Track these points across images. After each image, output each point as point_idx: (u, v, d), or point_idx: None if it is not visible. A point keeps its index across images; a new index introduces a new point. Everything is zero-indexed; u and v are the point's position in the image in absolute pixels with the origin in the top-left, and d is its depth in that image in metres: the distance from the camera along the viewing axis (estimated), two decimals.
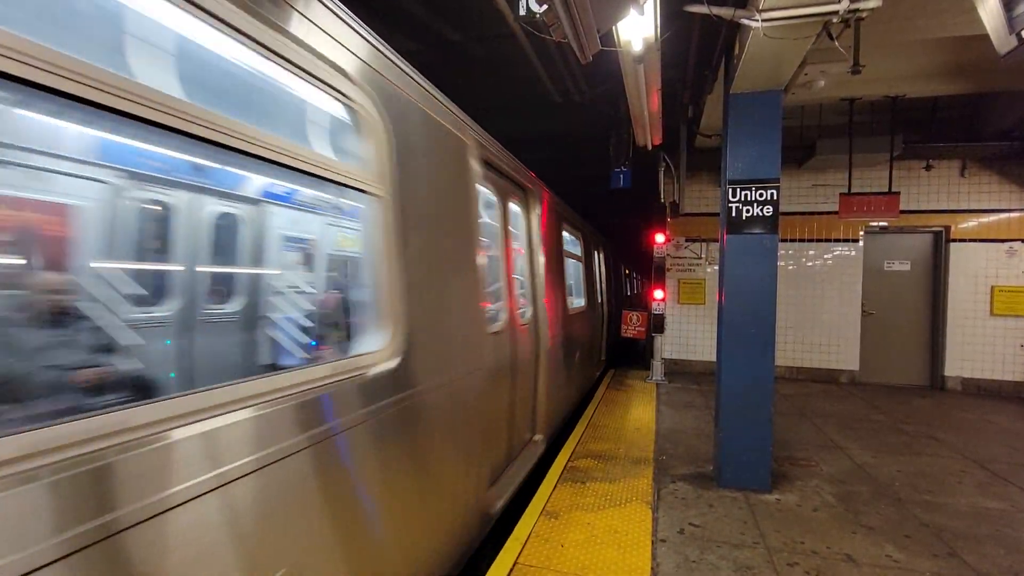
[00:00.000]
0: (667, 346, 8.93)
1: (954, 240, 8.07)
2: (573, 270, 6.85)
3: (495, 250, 3.74)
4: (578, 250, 7.08)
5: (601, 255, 9.42)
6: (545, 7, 2.65)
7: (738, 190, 4.08)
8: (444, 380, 2.49)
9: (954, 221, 8.07)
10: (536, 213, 4.58)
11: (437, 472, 2.42)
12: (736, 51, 3.92)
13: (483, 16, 4.78)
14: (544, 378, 4.52)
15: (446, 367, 2.52)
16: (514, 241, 4.19)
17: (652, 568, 2.92)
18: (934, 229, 8.25)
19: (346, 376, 1.80)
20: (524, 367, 4.10)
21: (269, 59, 1.54)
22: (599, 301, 8.70)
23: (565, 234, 6.00)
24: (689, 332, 9.21)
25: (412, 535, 2.21)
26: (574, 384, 5.97)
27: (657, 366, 8.37)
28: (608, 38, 3.63)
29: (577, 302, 6.66)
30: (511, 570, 2.88)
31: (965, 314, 7.98)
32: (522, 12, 2.68)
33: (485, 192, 3.43)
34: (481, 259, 3.04)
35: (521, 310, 4.16)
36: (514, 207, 4.20)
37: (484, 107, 5.68)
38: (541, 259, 4.60)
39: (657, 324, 8.40)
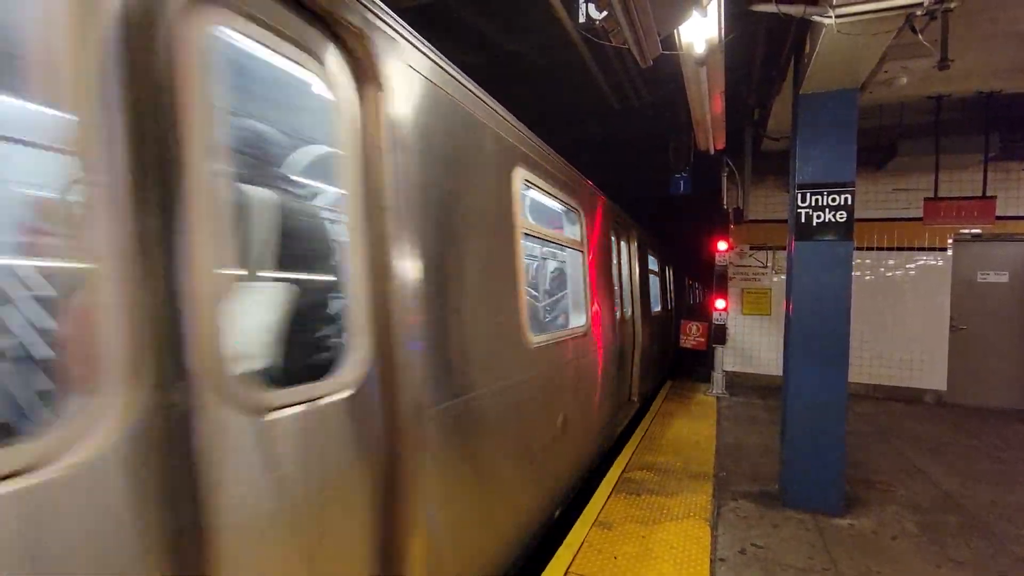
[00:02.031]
0: (729, 358, 8.57)
1: None
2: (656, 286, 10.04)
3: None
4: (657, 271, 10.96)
5: (669, 271, 13.02)
6: (605, 13, 2.65)
7: (808, 195, 3.88)
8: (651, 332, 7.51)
9: None
10: (672, 268, 10.61)
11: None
12: (807, 50, 3.74)
13: (542, 25, 4.82)
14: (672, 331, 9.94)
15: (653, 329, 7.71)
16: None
17: None
18: None
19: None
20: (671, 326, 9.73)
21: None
22: (668, 307, 12.10)
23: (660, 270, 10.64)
24: (753, 344, 8.82)
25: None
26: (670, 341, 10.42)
27: (718, 379, 8.05)
28: (669, 41, 3.56)
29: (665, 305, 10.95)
30: None
31: None
32: (582, 19, 2.68)
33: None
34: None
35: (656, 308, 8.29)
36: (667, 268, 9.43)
37: (543, 114, 5.72)
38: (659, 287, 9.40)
39: (719, 335, 8.08)
